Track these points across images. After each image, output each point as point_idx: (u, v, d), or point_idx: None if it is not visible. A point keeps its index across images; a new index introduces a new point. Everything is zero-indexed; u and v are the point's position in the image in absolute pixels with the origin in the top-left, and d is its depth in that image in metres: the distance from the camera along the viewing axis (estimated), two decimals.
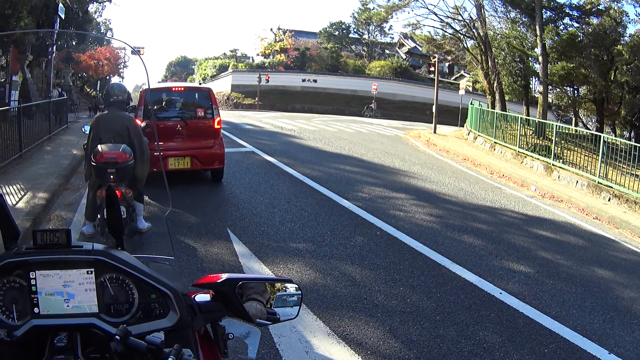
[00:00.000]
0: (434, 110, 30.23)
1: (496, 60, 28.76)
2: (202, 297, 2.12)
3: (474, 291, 6.59)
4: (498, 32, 29.98)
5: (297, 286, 2.18)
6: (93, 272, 1.93)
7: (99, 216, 7.46)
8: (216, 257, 7.24)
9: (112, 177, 6.98)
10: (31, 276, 1.91)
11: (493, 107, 27.99)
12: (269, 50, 73.06)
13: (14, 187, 11.15)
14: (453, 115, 40.11)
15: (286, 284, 2.20)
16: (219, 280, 2.04)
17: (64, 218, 9.44)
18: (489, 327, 5.60)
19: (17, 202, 9.74)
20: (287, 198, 10.73)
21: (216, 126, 11.78)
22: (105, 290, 1.96)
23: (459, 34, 31.81)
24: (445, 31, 33.06)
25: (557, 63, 27.83)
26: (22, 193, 10.59)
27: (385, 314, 5.73)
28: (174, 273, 2.29)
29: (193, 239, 7.97)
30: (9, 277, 1.94)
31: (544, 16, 26.12)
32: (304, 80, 59.65)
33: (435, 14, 31.48)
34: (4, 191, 10.78)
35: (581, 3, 28.10)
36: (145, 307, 1.99)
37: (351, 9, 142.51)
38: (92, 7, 36.63)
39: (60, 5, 28.38)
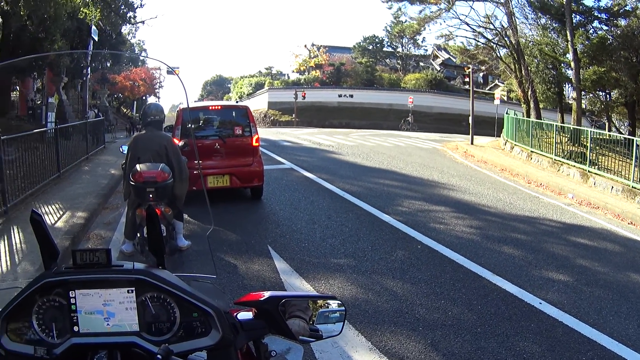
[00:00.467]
0: (470, 121, 30.23)
1: (529, 68, 28.50)
2: (245, 314, 2.10)
3: (514, 302, 6.63)
4: (530, 39, 29.66)
5: (340, 302, 2.15)
6: (134, 291, 1.95)
7: (138, 235, 7.54)
8: (257, 274, 7.34)
9: (151, 196, 7.06)
10: (71, 295, 1.93)
11: (528, 115, 27.76)
12: (304, 67, 73.04)
13: (53, 206, 11.36)
14: (489, 126, 39.80)
15: (329, 301, 2.18)
16: (262, 299, 2.03)
17: (103, 237, 9.61)
18: (529, 338, 5.63)
19: (56, 222, 9.92)
20: (327, 214, 10.82)
21: (254, 144, 11.84)
22: (147, 309, 1.98)
23: (492, 43, 31.67)
24: (478, 41, 32.96)
25: (589, 68, 27.41)
26: (61, 212, 10.79)
27: (427, 327, 5.77)
28: (216, 291, 2.36)
29: (234, 256, 8.08)
30: (49, 296, 1.96)
31: (574, 21, 25.82)
32: (340, 96, 59.49)
33: (467, 24, 31.50)
34: (43, 211, 11.00)
35: (609, 5, 27.76)
36: (187, 325, 1.99)
37: (384, 22, 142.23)
38: (125, 29, 37.26)
39: (94, 27, 28.78)
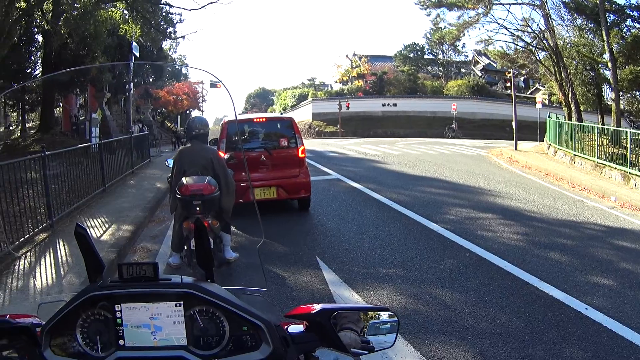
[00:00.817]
0: (513, 126, 30.01)
1: (568, 70, 28.08)
2: (295, 327, 2.06)
3: (560, 308, 6.57)
4: (567, 41, 29.19)
5: (392, 313, 2.09)
6: (182, 305, 1.94)
7: (185, 247, 7.57)
8: (306, 286, 7.36)
9: (198, 209, 7.09)
10: (116, 309, 1.93)
11: (570, 118, 27.40)
12: (347, 77, 73.05)
13: (98, 220, 11.55)
14: (532, 130, 39.44)
15: (380, 312, 2.12)
16: (314, 311, 1.99)
17: (150, 250, 9.74)
18: (575, 344, 5.58)
19: (101, 235, 10.08)
20: (375, 224, 10.81)
21: (300, 155, 11.85)
22: (195, 323, 1.95)
23: (530, 47, 31.31)
24: (517, 45, 32.63)
25: (625, 67, 26.99)
26: (107, 226, 10.96)
27: (476, 336, 5.74)
28: (267, 304, 2.33)
29: (282, 268, 8.11)
30: (94, 310, 1.96)
31: (608, 20, 25.41)
32: (384, 105, 59.65)
33: (506, 28, 31.23)
34: (89, 224, 11.15)
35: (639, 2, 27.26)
36: (236, 339, 1.96)
37: (423, 30, 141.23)
38: (165, 44, 37.76)
39: (134, 43, 29.20)
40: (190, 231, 7.14)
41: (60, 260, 8.87)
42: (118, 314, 1.94)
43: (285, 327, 2.06)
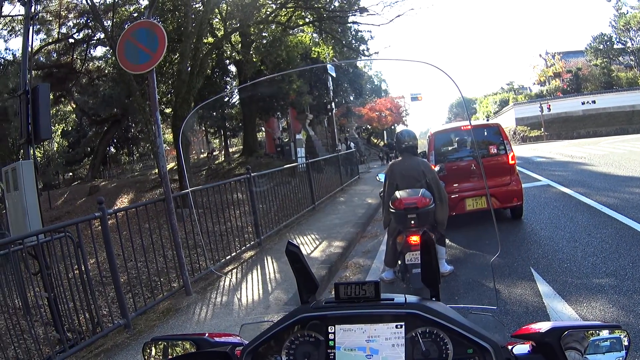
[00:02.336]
0: None
1: None
2: (521, 348, 1.90)
3: None
4: None
5: (622, 330, 1.83)
6: (403, 326, 1.84)
7: (399, 262, 7.40)
8: (519, 298, 7.02)
9: (413, 222, 6.94)
10: (330, 330, 1.85)
11: None
12: (543, 77, 71.73)
13: (309, 237, 11.85)
14: None
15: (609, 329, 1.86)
16: (544, 330, 1.82)
17: (362, 265, 9.76)
18: None
19: (312, 252, 10.31)
20: (587, 230, 10.19)
21: (510, 162, 11.50)
22: (416, 346, 1.83)
23: None
24: None
25: None
26: (317, 242, 11.20)
27: None
28: (496, 324, 2.16)
29: (496, 280, 7.87)
30: (303, 331, 1.89)
31: None
32: (583, 103, 57.88)
33: None
34: (299, 241, 11.47)
35: None
36: None
37: (607, 18, 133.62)
38: (360, 63, 38.25)
39: (329, 65, 29.93)
40: (405, 246, 7.06)
41: (267, 277, 9.14)
42: (331, 336, 1.86)
43: (511, 347, 1.91)
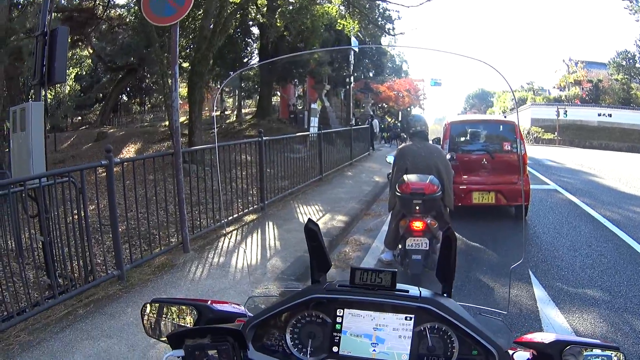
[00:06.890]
0: None
1: None
2: (522, 355, 1.88)
3: None
4: None
5: (618, 353, 1.75)
6: (412, 319, 1.84)
7: (400, 246, 7.38)
8: (514, 299, 7.00)
9: (417, 208, 6.92)
10: (338, 313, 1.85)
11: None
12: (564, 83, 71.19)
13: (313, 207, 11.85)
14: None
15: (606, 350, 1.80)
16: (548, 342, 1.79)
17: (362, 243, 9.78)
18: None
19: None
20: (588, 242, 10.17)
21: (522, 161, 11.53)
22: (423, 340, 1.83)
23: None
24: None
25: None
26: (320, 214, 11.19)
27: None
28: (502, 328, 2.15)
29: (493, 278, 7.87)
30: (311, 311, 1.89)
31: None
32: (599, 115, 57.53)
33: None
34: (302, 211, 11.50)
35: None
36: None
37: (633, 37, 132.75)
38: (384, 40, 38.07)
39: (353, 38, 29.70)
40: (407, 230, 7.05)
41: (267, 243, 9.12)
42: (339, 319, 1.85)
43: (512, 352, 1.89)
